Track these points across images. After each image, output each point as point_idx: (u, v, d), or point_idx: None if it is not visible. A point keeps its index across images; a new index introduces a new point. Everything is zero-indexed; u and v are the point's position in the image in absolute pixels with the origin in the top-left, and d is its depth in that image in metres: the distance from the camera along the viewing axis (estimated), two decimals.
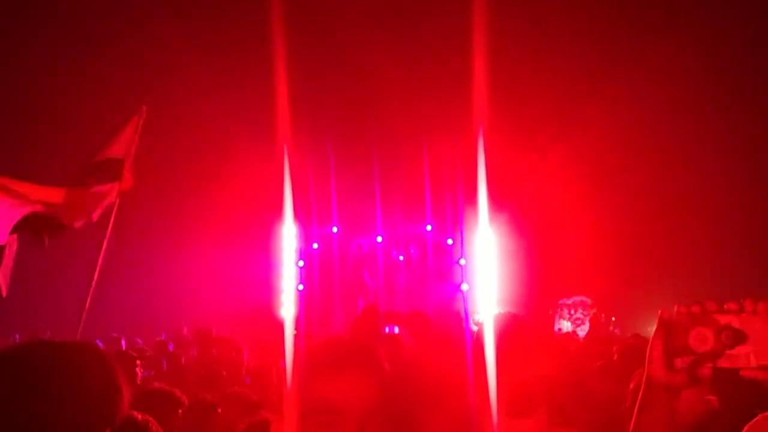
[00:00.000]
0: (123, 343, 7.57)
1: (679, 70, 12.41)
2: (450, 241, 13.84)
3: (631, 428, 1.30)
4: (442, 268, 13.24)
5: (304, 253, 13.28)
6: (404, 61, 12.64)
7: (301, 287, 12.81)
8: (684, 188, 12.85)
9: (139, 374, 4.83)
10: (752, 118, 12.64)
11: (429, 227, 14.17)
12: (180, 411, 3.04)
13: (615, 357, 4.41)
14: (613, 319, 12.08)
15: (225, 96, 12.51)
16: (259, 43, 10.94)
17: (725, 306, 1.21)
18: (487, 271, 11.61)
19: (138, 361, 4.85)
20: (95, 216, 4.91)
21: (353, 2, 12.35)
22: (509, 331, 3.19)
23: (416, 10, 12.39)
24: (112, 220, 5.02)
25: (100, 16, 11.88)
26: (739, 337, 1.17)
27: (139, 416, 2.10)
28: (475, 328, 4.60)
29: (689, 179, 12.86)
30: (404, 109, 12.46)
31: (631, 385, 3.10)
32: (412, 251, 13.98)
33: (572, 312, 11.96)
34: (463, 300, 12.25)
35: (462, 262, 13.40)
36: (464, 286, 12.93)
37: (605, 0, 13.29)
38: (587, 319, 11.82)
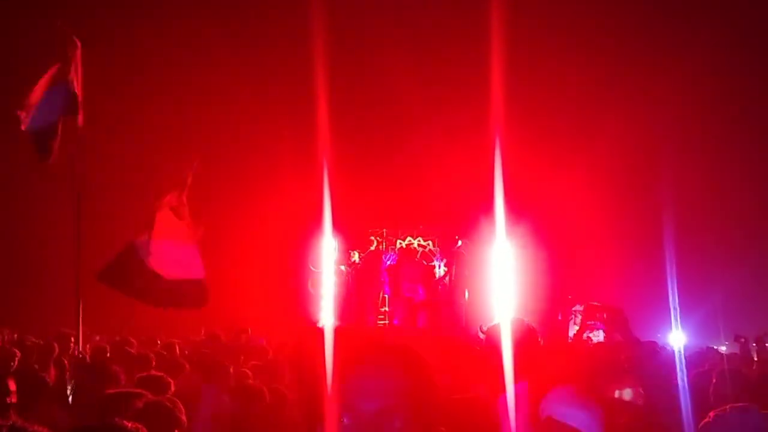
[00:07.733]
0: None
1: (701, 77, 12.41)
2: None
3: None
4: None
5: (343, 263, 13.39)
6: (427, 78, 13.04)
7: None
8: (700, 195, 12.83)
9: None
10: None
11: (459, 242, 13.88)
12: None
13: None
14: None
15: (269, 114, 13.12)
16: (298, 55, 11.45)
17: None
18: (503, 278, 11.75)
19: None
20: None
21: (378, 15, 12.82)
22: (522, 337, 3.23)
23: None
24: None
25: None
26: None
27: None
28: (481, 336, 4.77)
29: (706, 185, 12.83)
30: (428, 124, 12.86)
31: None
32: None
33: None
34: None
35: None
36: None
37: (626, 6, 13.39)
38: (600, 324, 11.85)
